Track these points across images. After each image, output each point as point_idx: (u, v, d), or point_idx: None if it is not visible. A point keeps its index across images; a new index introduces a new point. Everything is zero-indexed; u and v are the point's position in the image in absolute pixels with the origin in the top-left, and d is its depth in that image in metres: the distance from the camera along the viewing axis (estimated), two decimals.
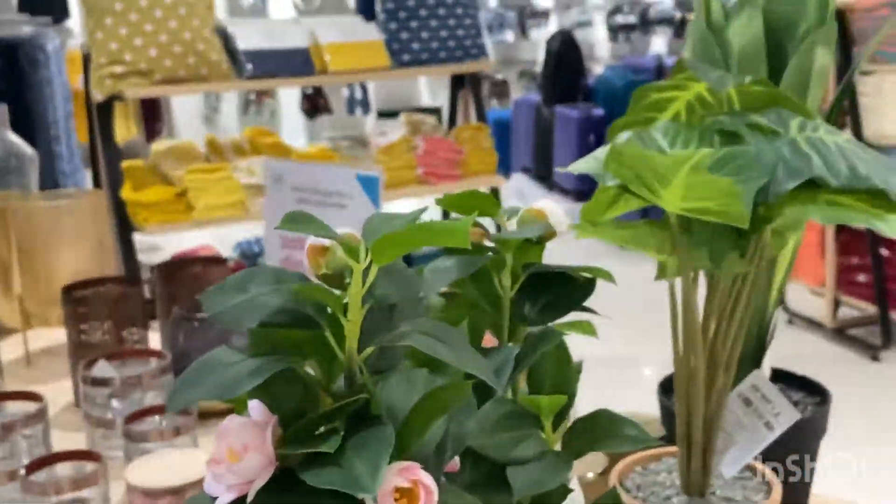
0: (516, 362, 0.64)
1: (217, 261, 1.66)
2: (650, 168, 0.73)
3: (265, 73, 3.01)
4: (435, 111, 6.24)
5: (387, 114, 8.56)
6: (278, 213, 1.52)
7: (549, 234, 0.71)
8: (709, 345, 0.88)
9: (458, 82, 3.64)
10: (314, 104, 8.04)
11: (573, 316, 0.71)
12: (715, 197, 0.72)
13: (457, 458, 0.58)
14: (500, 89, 8.60)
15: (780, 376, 1.17)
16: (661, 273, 0.89)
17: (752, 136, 0.83)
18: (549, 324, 0.70)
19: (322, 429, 0.49)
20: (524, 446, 0.62)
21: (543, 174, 6.29)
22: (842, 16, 3.67)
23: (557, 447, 0.66)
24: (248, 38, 3.03)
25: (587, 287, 0.72)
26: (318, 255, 0.53)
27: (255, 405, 0.50)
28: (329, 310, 0.50)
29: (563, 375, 0.67)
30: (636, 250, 0.86)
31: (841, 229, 3.83)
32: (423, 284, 0.67)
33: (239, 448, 0.48)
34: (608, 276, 0.73)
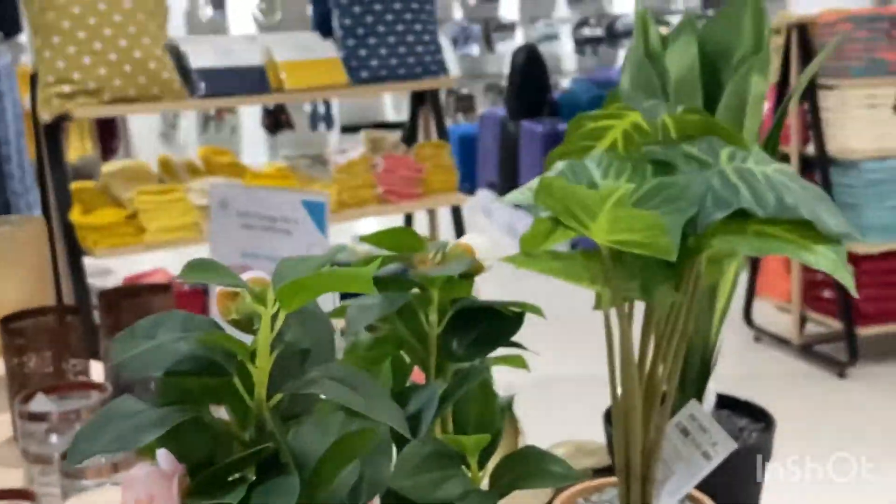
0: (441, 400, 0.65)
1: (163, 288, 1.66)
2: (578, 202, 0.75)
3: (219, 91, 3.01)
4: (400, 126, 6.25)
5: (350, 128, 8.58)
6: (223, 239, 1.52)
7: (477, 268, 0.73)
8: (646, 374, 0.90)
9: (418, 99, 3.66)
10: (276, 120, 8.04)
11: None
12: (641, 230, 0.74)
13: (377, 501, 0.59)
14: (466, 103, 8.65)
15: (725, 402, 1.20)
16: (598, 303, 0.90)
17: (684, 166, 0.85)
18: (479, 359, 0.71)
19: (232, 478, 0.50)
20: (448, 486, 0.63)
21: (509, 190, 6.31)
22: (804, 30, 3.75)
23: (484, 485, 0.67)
24: (201, 56, 3.03)
25: (516, 322, 0.73)
26: (227, 301, 0.54)
27: (162, 454, 0.50)
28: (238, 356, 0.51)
29: (489, 413, 0.68)
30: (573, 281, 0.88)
31: None
32: (350, 322, 0.68)
33: (145, 499, 0.49)
34: (538, 311, 0.74)
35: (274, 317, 0.51)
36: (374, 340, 0.71)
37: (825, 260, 0.77)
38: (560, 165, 0.90)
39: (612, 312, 0.87)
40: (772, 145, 1.03)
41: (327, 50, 3.29)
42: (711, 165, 0.83)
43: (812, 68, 1.09)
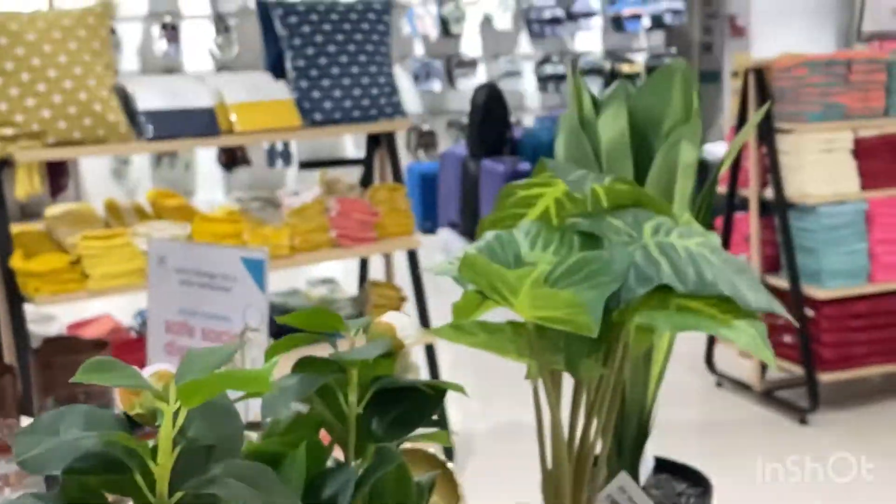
0: (358, 484, 0.67)
1: (99, 345, 1.66)
2: (499, 279, 0.77)
3: (167, 134, 3.02)
4: (360, 162, 6.27)
5: (309, 165, 8.60)
6: (162, 296, 1.53)
7: (398, 346, 0.75)
8: (576, 444, 0.92)
9: (374, 141, 3.69)
10: (231, 156, 8.04)
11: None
12: (561, 308, 0.77)
13: None
14: (428, 140, 8.71)
15: (664, 466, 1.22)
16: (530, 374, 0.93)
17: (611, 238, 0.89)
18: (399, 438, 0.73)
19: None
20: None
21: (470, 229, 6.37)
22: (760, 74, 3.84)
23: None
24: (149, 97, 3.04)
25: (436, 400, 0.75)
26: (131, 395, 0.55)
27: None
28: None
29: (405, 496, 0.69)
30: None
31: (766, 288, 3.95)
32: (266, 406, 0.70)
33: None
34: (460, 389, 0.76)
35: (176, 413, 0.52)
36: (294, 421, 0.72)
37: (744, 335, 0.80)
38: (489, 235, 0.93)
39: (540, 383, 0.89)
40: (704, 213, 1.07)
41: (280, 91, 3.31)
42: (635, 239, 0.86)
43: (749, 128, 1.13)
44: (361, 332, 0.75)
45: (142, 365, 0.60)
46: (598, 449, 0.94)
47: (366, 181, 3.77)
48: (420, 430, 0.76)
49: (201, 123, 3.09)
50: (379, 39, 3.50)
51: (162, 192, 3.42)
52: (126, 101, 3.05)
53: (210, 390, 0.50)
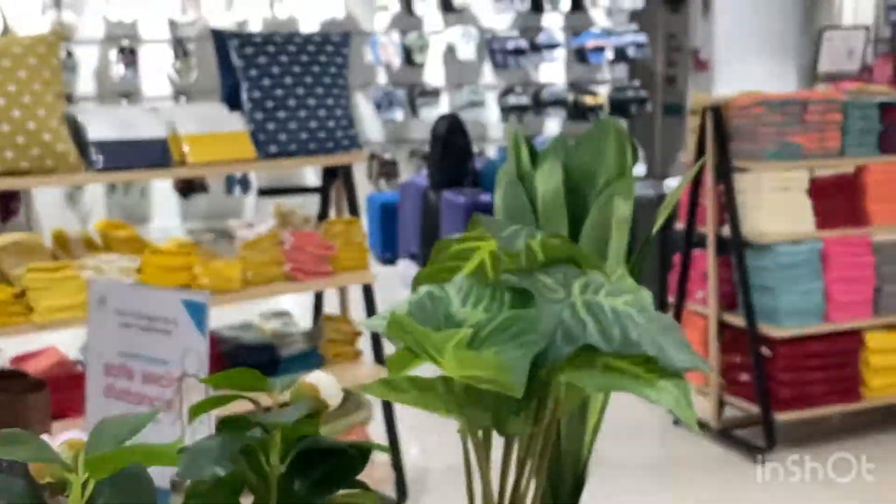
0: None
1: (38, 385, 1.65)
2: (426, 340, 0.79)
3: (117, 165, 3.02)
4: (319, 190, 6.28)
5: (269, 192, 8.59)
6: (101, 338, 1.53)
7: (321, 407, 0.76)
8: (506, 501, 0.94)
9: (330, 173, 3.71)
10: (188, 183, 8.01)
11: None
12: (486, 368, 0.79)
13: None
14: (389, 169, 8.74)
15: None
16: (460, 429, 0.94)
17: (541, 295, 0.91)
18: (323, 499, 0.74)
19: None
20: None
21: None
22: (718, 113, 3.92)
23: None
24: (100, 127, 3.04)
25: (361, 460, 0.76)
26: (41, 464, 0.56)
27: None
28: None
29: None
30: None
31: (723, 326, 4.01)
32: (186, 468, 0.71)
33: None
34: (385, 450, 0.78)
35: (85, 483, 0.54)
36: (217, 482, 0.74)
37: (667, 396, 0.83)
38: (422, 290, 0.94)
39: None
40: (637, 267, 1.09)
41: (234, 123, 3.32)
42: (564, 298, 0.88)
43: (689, 176, 1.16)
44: (285, 391, 0.76)
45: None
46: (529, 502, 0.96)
47: (322, 214, 3.78)
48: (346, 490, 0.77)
49: (153, 154, 3.09)
50: (336, 72, 3.53)
51: (112, 222, 3.40)
52: (77, 130, 3.04)
53: (118, 463, 0.51)
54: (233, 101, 3.43)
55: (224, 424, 0.73)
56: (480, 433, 0.90)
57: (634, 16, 9.35)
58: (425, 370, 0.90)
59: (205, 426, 1.10)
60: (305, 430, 0.76)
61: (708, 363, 0.90)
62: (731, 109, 3.93)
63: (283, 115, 3.38)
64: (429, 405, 0.88)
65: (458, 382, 0.85)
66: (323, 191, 3.81)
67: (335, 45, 3.54)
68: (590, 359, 0.85)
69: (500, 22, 9.04)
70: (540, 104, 9.00)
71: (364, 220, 7.14)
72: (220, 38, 3.50)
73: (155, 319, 1.47)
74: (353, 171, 3.67)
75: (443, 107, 8.82)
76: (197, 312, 1.43)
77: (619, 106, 9.18)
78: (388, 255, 7.37)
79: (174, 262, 3.12)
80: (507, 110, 8.95)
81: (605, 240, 1.07)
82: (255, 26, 8.52)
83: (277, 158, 3.39)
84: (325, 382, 0.76)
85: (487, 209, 6.34)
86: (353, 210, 3.66)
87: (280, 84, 3.38)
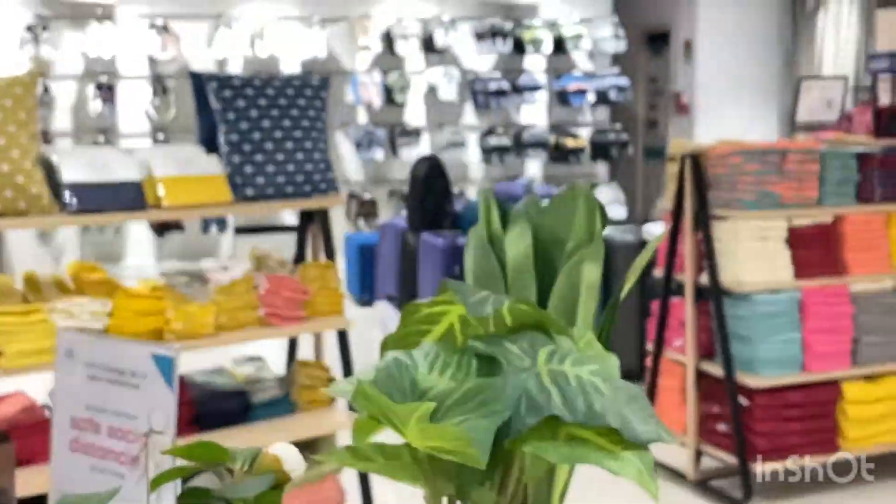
0: None
1: (2, 438, 1.64)
2: (389, 410, 0.80)
3: (91, 207, 3.02)
4: (296, 229, 6.29)
5: (246, 230, 8.59)
6: (68, 391, 1.53)
7: (284, 479, 0.77)
8: None
9: (307, 216, 3.73)
10: (164, 222, 8.00)
11: None
12: (449, 440, 0.80)
13: None
14: (368, 209, 8.77)
15: None
16: (427, 499, 0.95)
17: (508, 362, 0.92)
18: None
19: None
20: None
21: (409, 303, 6.39)
22: (696, 160, 3.97)
23: None
24: (75, 169, 3.05)
25: None
26: None
27: None
28: None
29: None
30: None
31: (701, 375, 4.03)
32: None
33: None
34: None
35: None
36: None
37: (629, 467, 0.84)
38: (389, 357, 0.96)
39: None
40: (605, 333, 1.11)
41: (211, 166, 3.34)
42: (529, 366, 0.90)
43: (650, 248, 1.18)
44: (248, 464, 0.77)
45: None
46: None
47: (298, 256, 3.79)
48: None
49: (128, 197, 3.10)
50: (315, 115, 3.56)
51: (84, 265, 3.39)
52: (51, 172, 3.05)
53: None
54: (210, 144, 3.45)
55: (186, 497, 0.74)
56: (446, 501, 0.91)
57: (616, 59, 9.48)
58: (392, 434, 0.92)
59: (170, 491, 1.10)
60: (269, 501, 0.77)
61: (672, 435, 0.91)
62: (710, 158, 3.98)
63: (261, 158, 3.40)
64: (395, 474, 0.90)
65: (420, 452, 0.87)
66: (300, 233, 3.82)
67: (314, 88, 3.57)
68: (554, 429, 0.86)
69: (482, 63, 9.14)
70: (521, 146, 9.08)
71: (342, 261, 7.16)
72: (197, 81, 3.52)
73: (123, 372, 1.46)
74: (330, 215, 3.69)
75: (423, 147, 8.88)
76: (166, 366, 1.43)
77: (600, 149, 9.27)
78: (366, 296, 7.37)
79: (146, 306, 3.12)
80: (488, 151, 9.02)
81: (573, 304, 1.09)
82: (235, 65, 8.58)
83: (254, 202, 3.40)
84: (288, 454, 0.77)
85: (465, 251, 6.30)
86: (330, 254, 3.67)
87: (258, 127, 3.41)
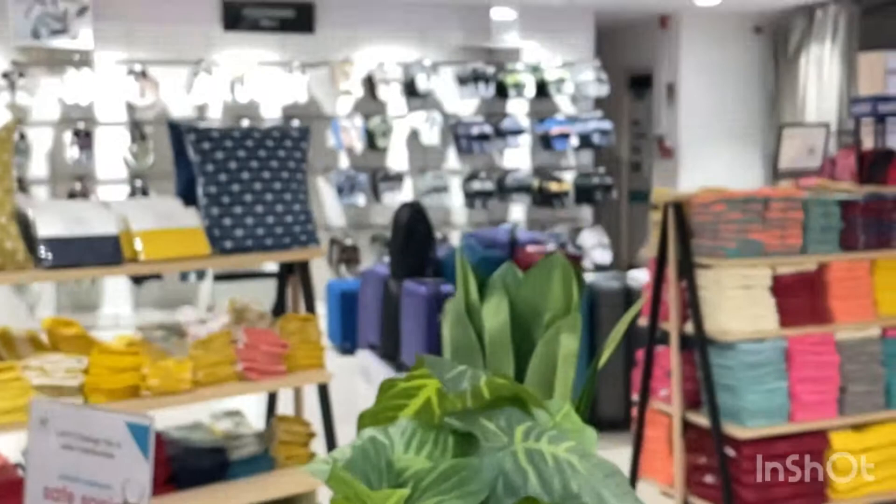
0: None
1: None
2: (365, 496, 0.81)
3: (67, 262, 3.03)
4: (276, 276, 6.29)
5: (225, 277, 8.58)
6: (41, 460, 1.53)
7: None
8: None
9: (287, 268, 3.74)
10: None
11: None
12: None
13: None
14: (350, 255, 8.78)
15: None
16: None
17: (485, 439, 0.94)
18: None
19: None
20: None
21: (390, 352, 6.39)
22: (680, 209, 4.01)
23: None
24: (50, 223, 3.06)
25: None
26: None
27: None
28: None
29: None
30: None
31: (688, 426, 4.04)
32: None
33: None
34: None
35: None
36: None
37: None
38: (365, 435, 0.97)
39: None
40: (585, 402, 1.13)
41: (189, 218, 3.35)
42: (506, 444, 0.91)
43: (621, 327, 1.20)
44: None
45: None
46: None
47: (278, 307, 3.80)
48: None
49: (104, 251, 3.10)
50: (295, 166, 3.58)
51: (59, 320, 3.39)
52: (27, 226, 3.05)
53: None
54: (188, 196, 3.47)
55: None
56: None
57: (599, 102, 9.58)
58: None
59: None
60: None
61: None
62: (693, 206, 4.02)
63: (240, 210, 3.42)
64: None
65: None
66: (280, 284, 3.82)
67: (294, 139, 3.60)
68: None
69: (465, 107, 9.22)
70: (504, 190, 9.14)
71: (323, 308, 7.15)
72: (176, 132, 3.55)
73: (98, 441, 1.47)
74: (311, 266, 3.70)
75: (406, 192, 8.92)
76: (142, 435, 1.43)
77: (584, 192, 9.34)
78: (348, 344, 7.36)
79: (122, 362, 3.12)
80: (471, 196, 9.07)
81: (551, 375, 1.10)
82: (215, 110, 8.63)
83: (232, 255, 3.41)
84: None
85: (449, 300, 6.27)
86: (310, 306, 3.68)
87: (237, 179, 3.43)
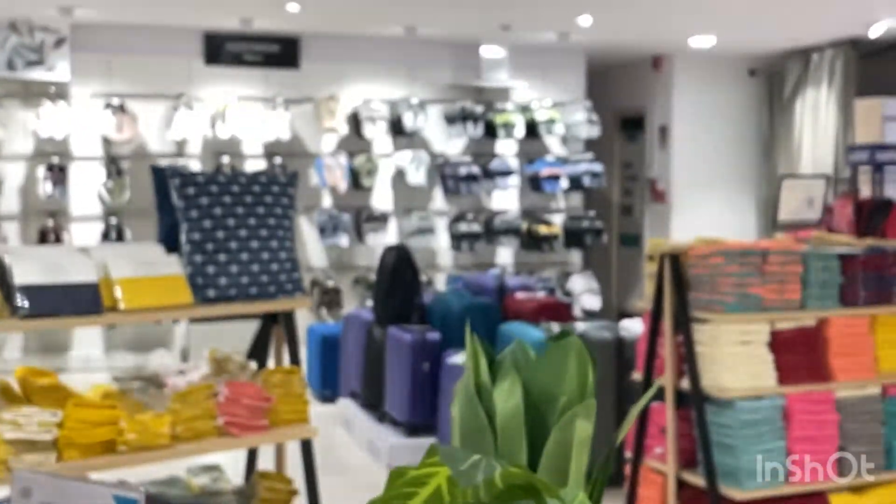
0: None
1: None
2: None
3: (44, 311, 3.01)
4: (259, 317, 6.26)
5: (201, 319, 8.54)
6: None
7: None
8: None
9: (270, 319, 3.73)
10: None
11: None
12: None
13: None
14: (332, 298, 8.76)
15: None
16: None
17: None
18: None
19: None
20: None
21: (373, 401, 6.36)
22: (676, 261, 4.03)
23: None
24: (27, 271, 3.04)
25: None
26: None
27: None
28: None
29: None
30: None
31: (682, 485, 4.03)
32: None
33: None
34: None
35: None
36: None
37: None
38: None
39: None
40: (598, 490, 1.12)
41: (171, 266, 3.34)
42: None
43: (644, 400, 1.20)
44: None
45: None
46: None
47: (254, 354, 3.77)
48: None
49: (83, 300, 3.09)
50: (282, 213, 3.58)
51: (32, 369, 3.35)
52: (3, 273, 3.03)
53: None
54: (171, 242, 3.46)
55: None
56: None
57: (590, 144, 9.65)
58: None
59: None
60: None
61: None
62: (689, 257, 4.04)
63: (224, 258, 3.41)
64: None
65: None
66: (263, 333, 3.80)
67: (281, 185, 3.60)
68: None
69: (453, 147, 9.26)
70: (492, 232, 9.16)
71: (303, 353, 7.11)
72: (159, 176, 3.54)
73: None
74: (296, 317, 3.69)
75: (391, 233, 8.93)
76: None
77: (574, 236, 9.37)
78: (328, 392, 7.32)
79: (98, 416, 3.09)
80: (457, 238, 9.08)
81: (565, 462, 1.10)
82: (194, 146, 8.63)
83: (216, 304, 3.40)
84: None
85: (435, 347, 6.28)
86: (294, 357, 3.66)
87: (222, 225, 3.42)
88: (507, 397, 1.11)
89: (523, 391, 1.12)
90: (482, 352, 1.16)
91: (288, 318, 3.66)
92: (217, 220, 3.41)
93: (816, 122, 9.31)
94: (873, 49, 8.86)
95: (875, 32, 8.35)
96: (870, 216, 5.03)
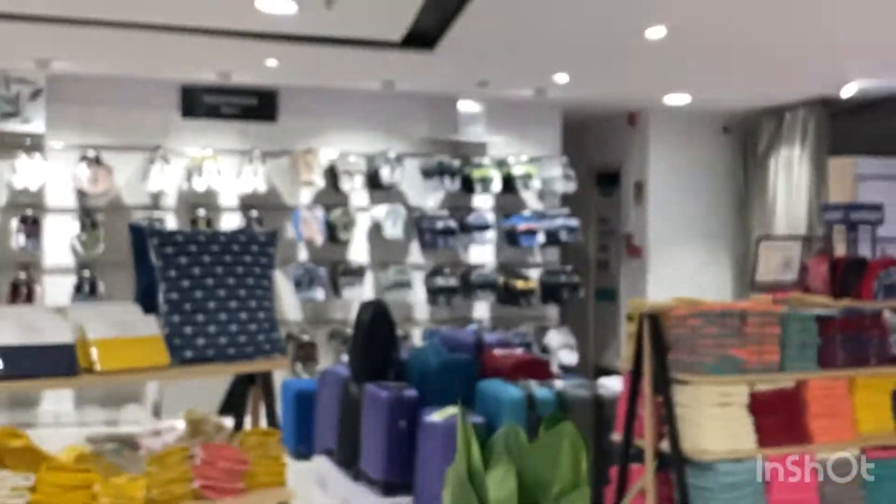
0: None
1: None
2: None
3: (19, 373, 2.97)
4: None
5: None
6: None
7: None
8: None
9: (248, 379, 3.69)
10: None
11: None
12: None
13: None
14: (307, 352, 8.71)
15: None
16: None
17: None
18: None
19: None
20: None
21: (349, 460, 6.29)
22: (656, 322, 4.04)
23: None
24: (2, 331, 3.00)
25: None
26: None
27: None
28: None
29: None
30: None
31: None
32: None
33: None
34: None
35: None
36: None
37: None
38: None
39: None
40: None
41: (148, 327, 3.31)
42: None
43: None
44: None
45: None
46: None
47: (236, 416, 3.73)
48: None
49: (59, 361, 3.05)
50: (261, 272, 3.57)
51: (5, 430, 3.31)
52: None
53: None
54: (148, 302, 3.43)
55: None
56: None
57: (566, 199, 9.71)
58: None
59: None
60: None
61: None
62: (669, 319, 4.05)
63: (202, 318, 3.39)
64: None
65: None
66: (240, 394, 3.77)
67: (261, 244, 3.59)
68: None
69: (430, 201, 9.28)
70: (469, 286, 9.16)
71: (278, 408, 7.05)
72: (138, 234, 3.53)
73: None
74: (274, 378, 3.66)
75: (367, 287, 8.91)
76: None
77: (550, 290, 9.38)
78: (303, 449, 7.24)
79: (72, 479, 3.04)
80: (434, 292, 9.07)
81: None
82: (171, 198, 8.61)
83: (193, 365, 3.37)
84: None
85: (412, 405, 6.22)
86: (272, 419, 3.62)
87: (200, 285, 3.40)
88: (501, 484, 1.11)
89: (517, 476, 1.11)
90: (474, 438, 1.16)
91: (266, 379, 3.63)
92: (195, 279, 3.40)
93: (790, 179, 9.42)
94: (845, 108, 9.01)
95: (847, 92, 8.49)
96: (844, 276, 5.08)
